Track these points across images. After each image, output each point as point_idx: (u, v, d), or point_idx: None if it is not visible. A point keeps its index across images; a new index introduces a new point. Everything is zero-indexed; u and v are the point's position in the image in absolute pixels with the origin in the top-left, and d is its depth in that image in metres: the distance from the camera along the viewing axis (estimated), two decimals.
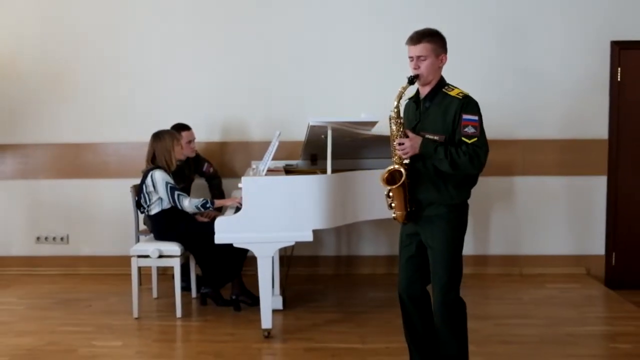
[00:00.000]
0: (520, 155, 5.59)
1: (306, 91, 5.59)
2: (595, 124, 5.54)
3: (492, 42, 5.54)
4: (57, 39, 5.68)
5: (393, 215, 3.13)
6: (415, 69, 3.04)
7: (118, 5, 5.65)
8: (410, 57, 3.06)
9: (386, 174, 3.04)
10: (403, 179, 3.00)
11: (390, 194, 3.06)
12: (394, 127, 3.05)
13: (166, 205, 4.57)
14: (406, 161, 3.03)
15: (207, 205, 4.53)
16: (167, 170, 4.61)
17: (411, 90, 3.15)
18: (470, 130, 2.94)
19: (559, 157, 5.57)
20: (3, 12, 5.69)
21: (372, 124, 4.32)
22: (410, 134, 3.03)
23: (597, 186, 5.59)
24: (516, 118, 5.55)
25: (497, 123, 5.46)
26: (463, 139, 2.95)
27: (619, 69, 5.47)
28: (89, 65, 5.69)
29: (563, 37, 5.51)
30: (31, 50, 5.70)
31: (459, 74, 5.40)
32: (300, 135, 4.78)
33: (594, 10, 5.47)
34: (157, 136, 4.68)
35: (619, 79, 5.48)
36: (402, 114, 3.10)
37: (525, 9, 5.51)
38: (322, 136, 4.19)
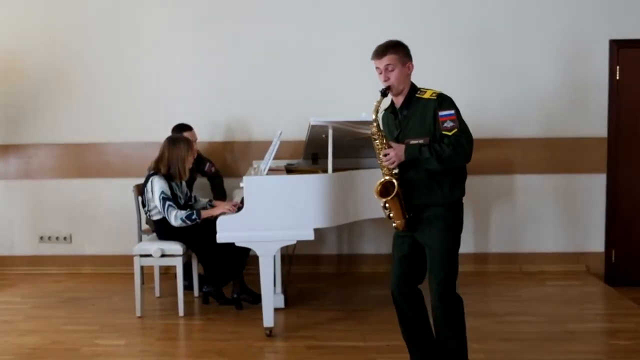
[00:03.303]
0: (520, 153, 5.61)
1: (307, 91, 5.62)
2: (594, 122, 5.56)
3: (491, 41, 5.56)
4: (60, 40, 5.71)
5: (393, 224, 3.18)
6: (385, 81, 3.12)
7: (120, 6, 5.68)
8: (378, 69, 3.15)
9: (379, 187, 3.09)
10: (396, 189, 3.05)
11: (387, 205, 3.11)
12: (377, 141, 3.12)
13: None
14: (395, 171, 3.09)
15: (193, 217, 4.45)
16: (178, 179, 4.60)
17: (386, 102, 3.19)
18: (449, 124, 3.02)
19: (558, 155, 5.59)
20: (7, 13, 5.72)
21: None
22: (393, 144, 3.10)
23: (597, 184, 5.61)
24: (515, 116, 5.57)
25: (496, 122, 5.51)
26: (444, 132, 3.03)
27: (618, 67, 5.49)
28: (91, 66, 5.72)
29: (562, 36, 5.53)
30: (34, 51, 5.73)
31: (460, 73, 5.47)
32: (302, 134, 4.81)
33: (592, 9, 5.49)
34: (174, 142, 4.61)
35: (617, 78, 5.50)
36: (381, 127, 3.16)
37: (524, 8, 5.53)
38: (323, 135, 4.22)
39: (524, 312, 4.61)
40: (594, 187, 5.62)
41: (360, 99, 5.32)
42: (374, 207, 4.28)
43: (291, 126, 5.33)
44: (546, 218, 5.67)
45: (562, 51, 5.54)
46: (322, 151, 4.52)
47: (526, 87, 5.57)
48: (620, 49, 5.48)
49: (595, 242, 5.66)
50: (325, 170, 4.22)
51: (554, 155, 5.59)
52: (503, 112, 5.53)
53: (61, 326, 4.44)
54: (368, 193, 4.25)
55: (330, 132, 4.10)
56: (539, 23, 5.53)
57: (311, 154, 5.19)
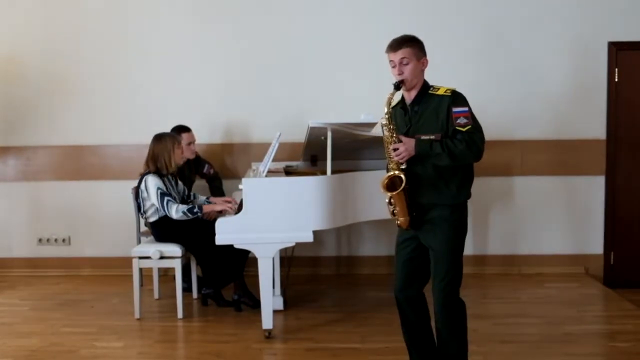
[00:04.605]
0: (519, 155, 5.61)
1: (306, 92, 5.62)
2: (593, 124, 5.57)
3: (490, 43, 5.57)
4: (59, 42, 5.71)
5: (397, 222, 3.12)
6: (399, 74, 3.07)
7: (119, 8, 5.68)
8: (392, 63, 3.10)
9: (386, 180, 3.03)
10: (403, 184, 2.99)
11: (392, 200, 3.06)
12: (386, 134, 3.06)
13: (162, 212, 4.57)
14: (403, 166, 3.04)
15: (195, 211, 4.50)
16: (165, 172, 4.63)
17: (395, 97, 3.15)
18: (462, 120, 2.99)
19: (557, 157, 5.59)
20: (6, 15, 5.72)
21: (372, 125, 4.34)
22: (403, 138, 3.05)
23: (595, 186, 5.61)
24: (515, 119, 5.58)
25: (495, 124, 5.50)
26: (458, 128, 2.99)
27: (617, 69, 5.50)
28: (90, 68, 5.72)
29: (560, 38, 5.54)
30: (33, 53, 5.73)
31: (459, 75, 5.47)
32: (301, 136, 4.81)
33: (591, 11, 5.50)
34: (159, 138, 4.68)
35: (616, 80, 5.50)
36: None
37: (523, 11, 5.54)
38: (322, 137, 4.22)
39: (522, 314, 4.61)
40: (593, 189, 5.62)
41: (359, 101, 5.36)
42: (373, 209, 4.30)
43: (290, 128, 5.33)
44: (545, 220, 5.67)
45: (561, 53, 5.54)
46: (321, 153, 4.52)
47: (525, 89, 5.57)
48: (619, 51, 5.49)
49: (594, 244, 5.66)
50: (324, 172, 4.22)
51: (553, 157, 5.60)
52: (502, 114, 5.53)
53: (60, 328, 4.43)
54: (367, 195, 4.27)
55: (329, 134, 4.10)
56: (539, 25, 5.54)
57: (310, 155, 5.20)
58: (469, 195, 3.15)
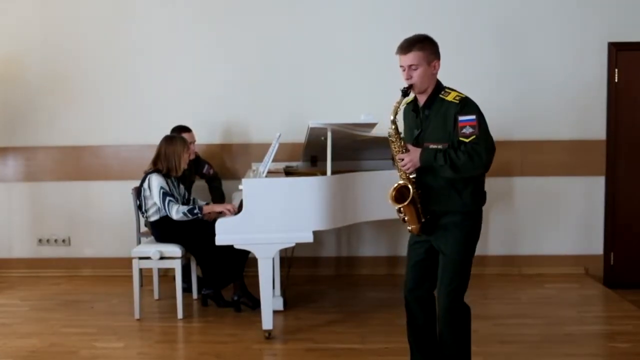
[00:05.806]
0: (519, 156, 5.61)
1: (306, 93, 5.62)
2: (593, 124, 5.56)
3: (491, 43, 5.57)
4: (60, 43, 5.71)
5: (408, 228, 3.08)
6: (407, 79, 2.97)
7: (119, 9, 5.68)
8: (402, 67, 3.00)
9: (394, 192, 2.97)
10: (411, 195, 2.93)
11: (401, 209, 3.00)
12: (394, 144, 2.99)
13: (164, 212, 4.58)
14: (412, 175, 2.98)
15: (195, 212, 4.51)
16: (174, 174, 4.63)
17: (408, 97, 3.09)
18: (468, 130, 2.88)
19: (557, 157, 5.59)
20: (6, 16, 5.72)
21: (372, 125, 4.34)
22: (410, 147, 2.98)
23: (596, 186, 5.61)
24: (515, 119, 5.57)
25: (495, 124, 5.42)
26: (461, 139, 2.89)
27: (616, 70, 5.49)
28: (90, 69, 5.72)
29: (561, 39, 5.54)
30: (33, 53, 5.73)
31: (459, 76, 5.46)
32: (301, 137, 4.81)
33: (591, 11, 5.50)
34: (170, 140, 4.68)
35: (616, 80, 5.50)
36: (399, 128, 3.01)
37: (523, 11, 5.54)
38: (322, 138, 4.21)
39: (522, 314, 4.61)
40: (593, 189, 5.62)
41: (360, 101, 5.37)
42: (373, 210, 4.30)
43: (290, 128, 5.33)
44: (545, 220, 5.67)
45: (561, 54, 5.54)
46: (321, 153, 4.52)
47: (525, 89, 5.57)
48: (618, 51, 5.49)
49: (594, 244, 5.66)
50: (324, 173, 4.22)
51: (552, 157, 5.59)
52: (502, 115, 5.52)
53: (60, 329, 4.43)
54: (367, 195, 4.28)
55: (329, 134, 4.10)
56: (538, 25, 5.54)
57: (310, 156, 5.19)
58: (483, 202, 3.09)
